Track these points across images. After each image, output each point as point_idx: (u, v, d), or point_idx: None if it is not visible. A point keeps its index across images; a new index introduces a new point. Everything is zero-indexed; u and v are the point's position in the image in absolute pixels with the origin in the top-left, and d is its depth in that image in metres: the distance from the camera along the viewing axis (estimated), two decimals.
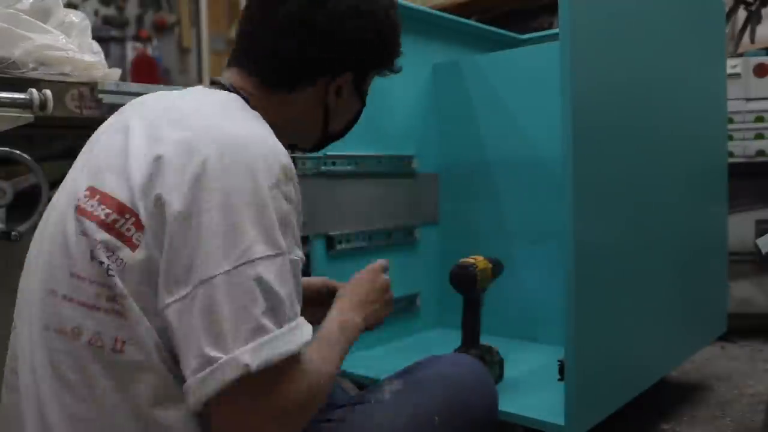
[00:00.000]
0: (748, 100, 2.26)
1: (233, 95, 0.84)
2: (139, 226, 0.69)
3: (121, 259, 0.69)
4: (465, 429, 0.98)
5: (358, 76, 0.93)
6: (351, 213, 1.63)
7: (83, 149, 0.87)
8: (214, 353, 0.64)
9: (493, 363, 1.38)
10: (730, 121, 2.21)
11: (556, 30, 1.23)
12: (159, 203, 0.68)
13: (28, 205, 1.31)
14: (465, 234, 1.81)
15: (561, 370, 1.15)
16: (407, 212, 1.78)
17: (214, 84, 0.89)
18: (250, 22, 0.89)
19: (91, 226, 0.72)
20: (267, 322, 0.65)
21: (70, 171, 0.85)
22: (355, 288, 1.00)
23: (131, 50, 4.82)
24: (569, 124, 1.13)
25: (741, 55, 2.41)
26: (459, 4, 2.85)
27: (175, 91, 0.88)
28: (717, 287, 1.77)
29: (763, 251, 1.38)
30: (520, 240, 1.68)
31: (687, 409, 1.65)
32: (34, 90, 1.26)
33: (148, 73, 4.56)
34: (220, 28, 5.16)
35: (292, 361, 0.68)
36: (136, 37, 4.85)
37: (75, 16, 1.50)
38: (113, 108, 1.43)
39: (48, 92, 1.27)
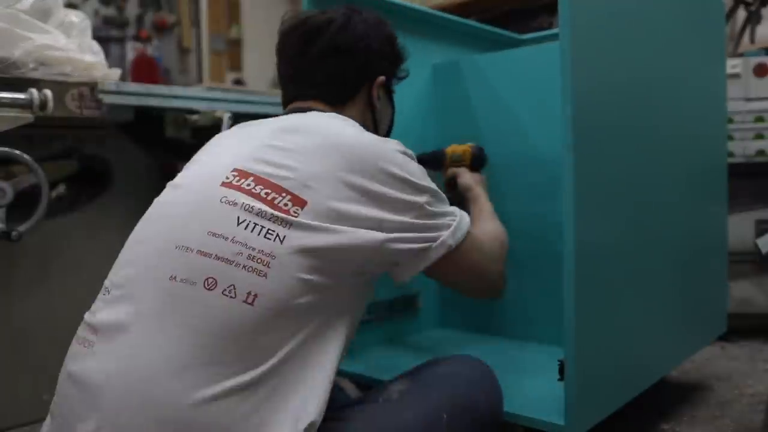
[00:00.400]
0: (748, 100, 2.26)
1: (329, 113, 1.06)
2: (298, 201, 0.85)
3: (280, 224, 0.84)
4: (472, 426, 1.00)
5: (387, 80, 1.18)
6: None
7: (205, 150, 1.05)
8: (424, 245, 0.96)
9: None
10: (730, 121, 2.21)
11: (556, 30, 1.23)
12: (320, 192, 0.88)
13: (28, 205, 1.32)
14: None
15: (561, 370, 1.15)
16: None
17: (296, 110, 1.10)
18: (291, 63, 1.13)
19: (244, 198, 0.85)
20: (448, 221, 1.00)
21: (197, 161, 1.01)
22: (477, 181, 1.43)
23: (131, 50, 4.82)
24: (569, 124, 1.13)
25: (741, 55, 2.41)
26: (459, 4, 2.85)
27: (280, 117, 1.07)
28: (717, 287, 1.77)
29: (763, 251, 1.39)
30: (520, 239, 1.67)
31: (687, 409, 1.65)
32: (34, 90, 1.26)
33: (148, 73, 4.56)
34: (220, 28, 5.17)
35: (470, 234, 1.04)
36: (136, 37, 4.85)
37: (75, 16, 1.50)
38: (113, 108, 1.44)
39: (48, 92, 1.27)
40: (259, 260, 0.81)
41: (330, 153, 0.91)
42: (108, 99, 1.41)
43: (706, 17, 1.70)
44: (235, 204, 0.85)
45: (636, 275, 1.34)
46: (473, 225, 1.10)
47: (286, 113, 1.10)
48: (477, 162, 1.49)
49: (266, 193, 0.86)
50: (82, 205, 1.55)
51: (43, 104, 1.27)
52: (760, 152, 2.25)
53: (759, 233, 2.13)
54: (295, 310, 0.82)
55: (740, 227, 2.15)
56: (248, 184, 0.87)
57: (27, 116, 1.26)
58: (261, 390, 0.79)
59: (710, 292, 1.73)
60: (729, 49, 2.54)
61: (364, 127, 1.04)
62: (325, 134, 0.94)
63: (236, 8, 5.24)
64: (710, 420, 1.59)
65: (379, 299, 1.69)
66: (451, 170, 1.48)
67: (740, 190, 1.84)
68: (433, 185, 1.00)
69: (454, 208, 1.04)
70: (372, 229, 0.89)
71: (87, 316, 0.87)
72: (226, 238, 0.82)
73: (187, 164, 1.02)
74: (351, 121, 1.02)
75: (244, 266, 0.81)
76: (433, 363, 1.07)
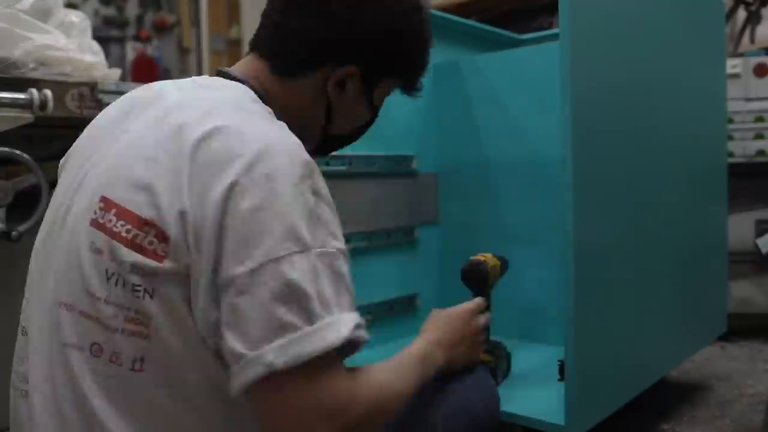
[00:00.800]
0: (748, 100, 2.27)
1: (244, 88, 0.81)
2: (162, 237, 0.67)
3: (147, 274, 0.67)
4: (468, 429, 0.98)
5: (367, 77, 0.88)
6: (351, 213, 1.63)
7: (86, 136, 0.85)
8: (241, 350, 0.63)
9: (501, 357, 1.38)
10: (730, 121, 2.21)
11: (556, 30, 1.23)
12: (184, 216, 0.67)
13: (28, 205, 1.31)
14: (465, 234, 1.80)
15: (561, 370, 1.15)
16: (407, 212, 1.78)
17: (222, 74, 0.86)
18: (273, 5, 0.88)
19: (108, 243, 0.70)
20: (293, 319, 0.63)
21: (76, 160, 0.82)
22: (447, 326, 0.99)
23: (131, 50, 4.82)
24: (569, 124, 1.13)
25: (741, 55, 2.41)
26: (459, 4, 2.85)
27: (185, 84, 0.83)
28: (717, 287, 1.77)
29: (763, 251, 1.39)
30: (520, 240, 1.68)
31: (687, 409, 1.65)
32: (34, 90, 1.26)
33: (148, 73, 4.56)
34: (220, 28, 5.16)
35: (328, 359, 0.65)
36: (136, 37, 4.85)
37: (75, 16, 1.50)
38: None
39: (48, 92, 1.27)
40: (137, 322, 0.68)
41: (186, 159, 0.68)
42: (108, 99, 1.41)
43: (706, 17, 1.70)
44: (101, 253, 0.70)
45: (636, 275, 1.34)
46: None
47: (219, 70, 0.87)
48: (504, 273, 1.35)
49: (127, 231, 0.68)
50: None
51: (43, 104, 1.27)
52: (760, 152, 2.25)
53: (759, 233, 2.13)
54: (189, 380, 0.69)
55: (740, 227, 2.15)
56: (110, 220, 0.70)
57: (27, 116, 1.26)
58: None
59: (710, 292, 1.73)
60: (729, 49, 2.54)
61: (303, 121, 0.86)
62: (200, 132, 0.69)
63: (236, 8, 5.23)
64: (710, 420, 1.59)
65: (378, 300, 1.69)
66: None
67: (740, 190, 1.85)
68: (324, 245, 0.68)
69: (327, 305, 0.66)
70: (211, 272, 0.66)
71: (18, 364, 0.80)
72: (100, 299, 0.69)
73: (72, 153, 0.86)
74: (252, 108, 0.77)
75: (122, 330, 0.68)
76: None
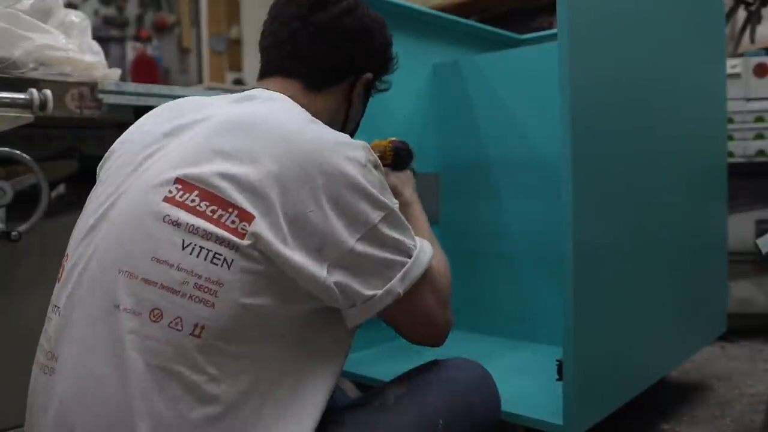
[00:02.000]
0: (748, 100, 2.27)
1: (290, 100, 0.93)
2: (245, 216, 0.76)
3: (229, 246, 0.75)
4: (468, 428, 0.99)
5: (373, 80, 1.07)
6: None
7: (136, 131, 0.93)
8: (371, 291, 0.83)
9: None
10: (730, 121, 2.21)
11: (556, 30, 1.23)
12: (270, 200, 0.77)
13: (28, 205, 1.31)
14: (465, 234, 1.81)
15: (559, 370, 1.15)
16: None
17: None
18: (286, 27, 1.00)
19: (188, 217, 0.77)
20: (401, 258, 0.85)
21: (123, 157, 0.88)
22: (407, 182, 1.28)
23: (131, 50, 4.82)
24: (568, 124, 1.13)
25: (741, 55, 2.42)
26: (458, 4, 2.85)
27: (240, 97, 0.95)
28: (717, 287, 1.77)
29: (763, 251, 1.38)
30: (520, 239, 1.68)
31: (687, 409, 1.65)
32: (34, 90, 1.26)
33: (148, 73, 4.57)
34: (220, 28, 5.16)
35: (426, 273, 0.89)
36: (136, 37, 4.85)
37: (75, 16, 1.50)
38: (113, 108, 1.43)
39: (48, 92, 1.27)
40: (206, 289, 0.75)
41: (281, 157, 0.79)
42: (108, 99, 1.41)
43: (706, 17, 1.70)
44: (179, 224, 0.77)
45: (635, 275, 1.34)
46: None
47: (249, 89, 0.99)
48: (400, 160, 1.31)
49: (212, 211, 0.77)
50: (82, 205, 1.55)
51: (43, 104, 1.27)
52: (760, 152, 2.25)
53: (759, 233, 2.13)
54: (247, 341, 0.77)
55: (740, 227, 2.15)
56: (192, 200, 0.78)
57: (27, 116, 1.26)
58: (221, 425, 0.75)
59: (710, 292, 1.73)
60: (729, 49, 2.54)
61: (331, 123, 0.95)
62: (277, 133, 0.82)
63: (236, 8, 5.23)
64: (710, 420, 1.59)
65: None
66: None
67: (740, 190, 1.85)
68: (394, 204, 0.86)
69: (413, 238, 0.89)
70: (315, 250, 0.78)
71: (46, 343, 0.83)
72: (171, 265, 0.75)
73: (114, 153, 0.92)
74: (309, 117, 0.89)
75: (190, 296, 0.74)
76: (431, 366, 1.05)
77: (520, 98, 1.68)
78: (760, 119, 2.26)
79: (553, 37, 1.53)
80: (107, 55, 1.60)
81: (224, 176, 0.78)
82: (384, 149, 1.30)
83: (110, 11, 4.77)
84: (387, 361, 1.52)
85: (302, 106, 0.93)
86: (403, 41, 1.75)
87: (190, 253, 0.76)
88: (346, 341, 0.90)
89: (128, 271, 0.76)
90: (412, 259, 0.87)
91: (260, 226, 0.76)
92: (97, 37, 1.61)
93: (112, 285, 0.76)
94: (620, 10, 1.28)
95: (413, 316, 0.91)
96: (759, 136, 2.25)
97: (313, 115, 0.90)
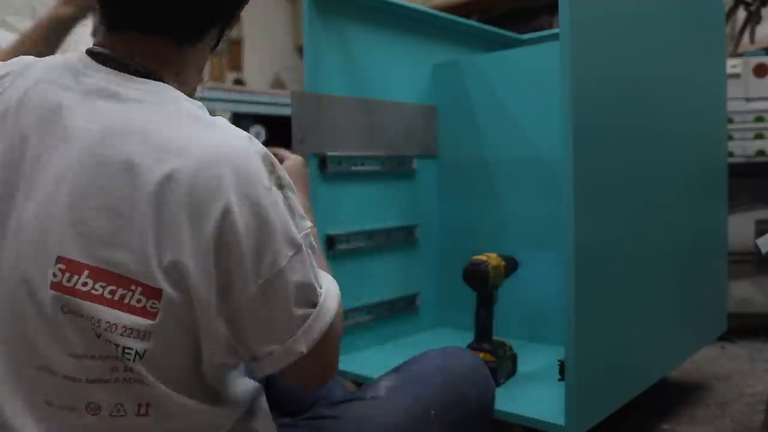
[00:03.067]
0: (748, 100, 2.26)
1: (162, 88, 0.72)
2: (152, 292, 0.64)
3: (139, 334, 0.65)
4: (462, 421, 1.00)
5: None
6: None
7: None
8: (269, 348, 0.70)
9: (506, 358, 1.39)
10: (730, 121, 2.21)
11: (557, 30, 1.23)
12: (172, 265, 0.64)
13: None
14: (465, 234, 1.81)
15: (561, 370, 1.15)
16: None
17: (105, 58, 0.72)
18: None
19: (88, 309, 0.64)
20: (306, 311, 0.71)
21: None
22: (301, 182, 0.97)
23: None
24: (569, 123, 1.13)
25: (741, 55, 2.41)
26: (459, 3, 2.86)
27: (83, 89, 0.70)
28: (717, 287, 1.77)
29: (763, 251, 1.38)
30: (521, 239, 1.68)
31: (687, 409, 1.65)
32: None
33: None
34: None
35: (330, 326, 0.74)
36: None
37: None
38: None
39: None
40: (136, 371, 0.65)
41: (167, 198, 0.63)
42: None
43: (706, 17, 1.70)
44: (81, 316, 0.64)
45: (636, 275, 1.34)
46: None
47: (102, 49, 0.73)
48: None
49: (111, 292, 0.64)
50: None
51: None
52: (760, 152, 2.25)
53: (759, 233, 2.13)
54: (195, 393, 0.71)
55: (740, 227, 2.15)
56: (85, 283, 0.64)
57: None
58: None
59: (710, 292, 1.73)
60: (729, 49, 2.54)
61: (190, 84, 0.80)
62: (158, 175, 0.64)
63: None
64: (710, 420, 1.59)
65: (378, 300, 1.69)
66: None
67: (740, 190, 1.84)
68: (301, 233, 0.70)
69: (320, 281, 0.74)
70: (217, 315, 0.67)
71: None
72: (92, 357, 0.65)
73: None
74: (204, 119, 0.70)
75: (125, 380, 0.66)
76: (423, 356, 1.06)
77: (520, 98, 1.68)
78: (760, 119, 2.26)
79: (554, 37, 1.54)
80: None
81: (109, 243, 0.63)
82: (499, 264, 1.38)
83: None
84: (387, 360, 1.51)
85: (173, 77, 0.75)
86: (404, 41, 1.76)
87: (108, 342, 0.64)
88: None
89: (47, 368, 0.66)
90: (317, 308, 0.72)
91: (169, 295, 0.64)
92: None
93: (35, 385, 0.67)
94: (621, 10, 1.28)
95: (311, 373, 0.77)
96: (759, 136, 2.25)
97: (177, 75, 0.75)
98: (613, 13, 1.25)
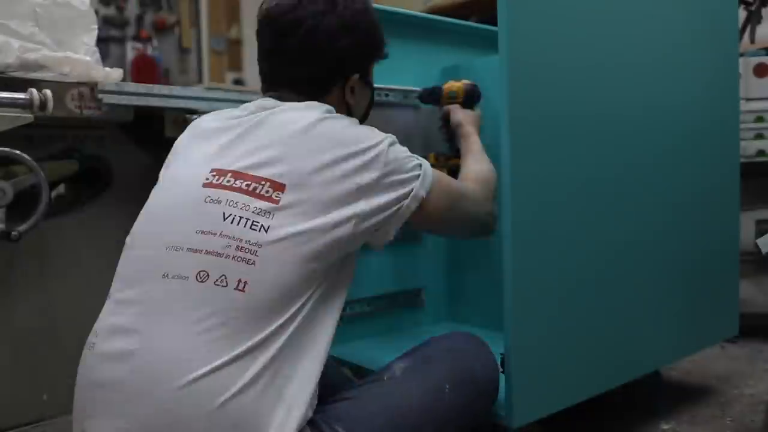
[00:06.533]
0: (748, 100, 2.26)
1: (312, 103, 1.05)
2: (277, 186, 0.90)
3: (264, 212, 0.88)
4: (472, 394, 1.07)
5: (363, 73, 1.15)
6: None
7: (180, 152, 1.05)
8: (396, 196, 0.99)
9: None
10: None
11: None
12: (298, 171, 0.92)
13: (28, 205, 1.31)
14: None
15: (502, 363, 1.17)
16: None
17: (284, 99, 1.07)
18: (266, 59, 1.11)
19: (226, 194, 0.90)
20: (416, 170, 1.03)
21: (175, 164, 1.03)
22: (472, 119, 1.44)
23: (131, 50, 4.82)
24: (506, 117, 1.16)
25: (741, 55, 2.41)
26: (459, 4, 2.85)
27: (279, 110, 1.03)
28: (726, 289, 1.74)
29: (763, 251, 1.38)
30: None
31: (687, 409, 1.65)
32: (34, 90, 1.26)
33: (148, 73, 4.56)
34: (220, 28, 5.16)
35: (439, 179, 1.07)
36: (136, 37, 4.85)
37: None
38: (113, 108, 1.44)
39: (48, 92, 1.27)
40: (247, 250, 0.86)
41: (298, 137, 0.94)
42: (108, 99, 1.41)
43: (713, 13, 1.68)
44: (219, 201, 0.90)
45: (596, 273, 1.34)
46: (462, 165, 1.28)
47: (263, 97, 1.10)
48: (469, 99, 1.50)
49: (246, 185, 0.90)
50: (82, 205, 1.55)
51: (43, 104, 1.27)
52: (760, 152, 2.25)
53: (759, 233, 2.13)
54: (286, 294, 0.87)
55: (740, 227, 2.15)
56: (228, 181, 0.92)
57: (27, 116, 1.26)
58: (260, 376, 0.83)
59: (717, 294, 1.70)
60: None
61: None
62: (290, 124, 0.97)
63: (236, 8, 5.23)
64: (710, 420, 1.59)
65: (383, 292, 1.69)
66: (446, 107, 1.50)
67: (740, 190, 1.84)
68: (384, 141, 1.01)
69: (414, 160, 1.04)
70: (348, 203, 0.93)
71: (97, 324, 0.91)
72: (215, 234, 0.87)
73: (167, 165, 1.06)
74: (323, 107, 1.03)
75: (233, 257, 0.86)
76: (431, 340, 1.12)
77: None
78: (760, 119, 2.26)
79: None
80: (107, 55, 1.61)
81: (253, 158, 0.93)
82: (458, 90, 1.51)
83: (110, 11, 4.77)
84: (392, 354, 1.52)
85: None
86: (412, 47, 1.76)
87: (231, 222, 0.88)
88: (352, 273, 1.02)
89: (175, 246, 0.88)
90: (423, 168, 1.03)
91: (289, 196, 0.89)
92: (97, 37, 1.61)
93: (160, 262, 0.88)
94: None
95: (446, 215, 1.08)
96: (759, 136, 2.25)
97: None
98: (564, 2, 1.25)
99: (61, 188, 1.58)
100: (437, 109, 1.55)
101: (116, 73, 1.48)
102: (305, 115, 0.98)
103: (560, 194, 1.26)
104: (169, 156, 1.07)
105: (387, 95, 1.66)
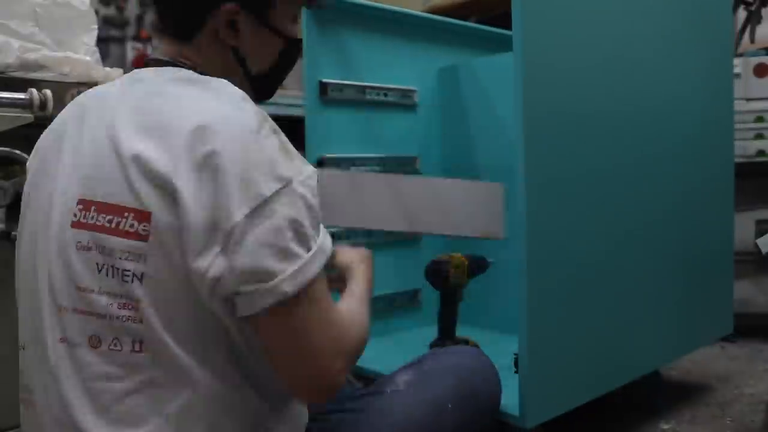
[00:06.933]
0: (748, 100, 2.26)
1: (180, 70, 0.84)
2: (141, 216, 0.72)
3: (135, 256, 0.72)
4: (474, 413, 1.05)
5: (251, 8, 0.88)
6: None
7: (38, 157, 0.86)
8: (252, 286, 0.71)
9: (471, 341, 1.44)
10: None
11: None
12: (163, 191, 0.71)
13: None
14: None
15: (516, 363, 1.18)
16: None
17: (158, 62, 0.88)
18: None
19: (93, 237, 0.74)
20: (298, 250, 0.73)
21: (39, 179, 0.84)
22: (367, 267, 1.07)
23: (131, 50, 4.81)
24: (521, 115, 1.14)
25: (741, 55, 2.41)
26: (459, 4, 2.85)
27: (131, 85, 0.84)
28: (721, 288, 1.75)
29: (763, 251, 1.38)
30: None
31: (687, 409, 1.65)
32: (34, 90, 1.26)
33: None
34: None
35: (322, 281, 0.76)
36: (136, 37, 4.84)
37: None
38: None
39: (48, 92, 1.27)
40: (130, 307, 0.73)
41: (169, 148, 0.72)
42: None
43: (709, 13, 1.68)
44: (89, 249, 0.75)
45: (605, 273, 1.34)
46: (340, 300, 0.92)
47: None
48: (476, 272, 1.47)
49: (109, 221, 0.73)
50: None
51: (43, 104, 1.27)
52: (760, 152, 2.25)
53: (759, 233, 2.13)
54: (192, 348, 0.74)
55: (740, 227, 2.15)
56: (92, 217, 0.75)
57: (27, 116, 1.26)
58: None
59: (713, 293, 1.71)
60: None
61: (225, 71, 0.87)
62: (168, 126, 0.73)
63: None
64: (710, 420, 1.59)
65: (380, 294, 1.70)
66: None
67: (740, 190, 1.84)
68: (299, 174, 0.75)
69: (317, 229, 0.77)
70: (208, 245, 0.71)
71: (23, 378, 0.85)
72: (92, 290, 0.74)
73: (36, 170, 0.86)
74: (208, 93, 0.78)
75: (118, 317, 0.73)
76: (436, 354, 1.11)
77: None
78: (760, 119, 2.26)
79: None
80: (107, 55, 1.61)
81: (116, 179, 0.74)
82: (461, 264, 1.42)
83: (110, 11, 4.77)
84: (389, 354, 1.52)
85: (194, 65, 0.86)
86: (410, 47, 1.76)
87: (106, 275, 0.74)
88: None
89: (61, 305, 0.76)
90: (310, 254, 0.73)
91: (160, 218, 0.71)
92: (97, 37, 1.61)
93: (51, 323, 0.76)
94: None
95: (294, 338, 0.75)
96: (759, 136, 2.25)
97: (202, 74, 0.83)
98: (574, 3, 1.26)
99: None
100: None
101: (116, 73, 1.48)
102: (181, 107, 0.75)
103: (571, 195, 1.26)
104: (33, 156, 0.88)
105: (386, 95, 1.66)
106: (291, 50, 0.95)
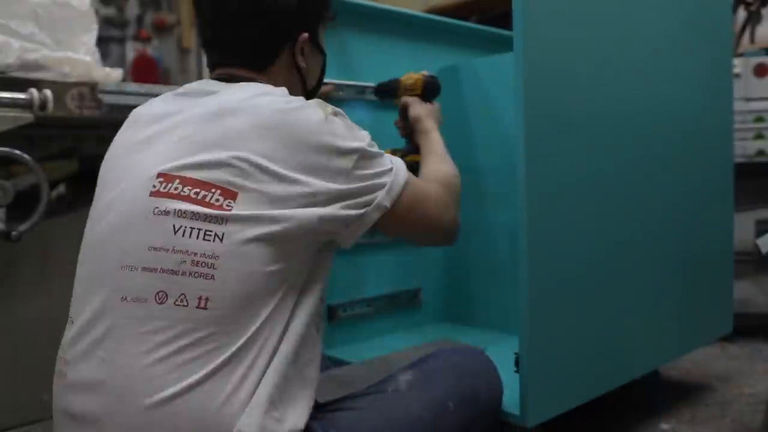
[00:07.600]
0: (748, 100, 2.26)
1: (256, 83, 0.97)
2: (228, 194, 0.83)
3: (216, 218, 0.82)
4: (474, 413, 1.06)
5: (312, 34, 1.06)
6: None
7: (123, 149, 0.95)
8: (358, 210, 0.91)
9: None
10: None
11: None
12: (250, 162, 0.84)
13: (28, 205, 1.32)
14: (468, 231, 1.80)
15: (517, 362, 1.18)
16: None
17: (226, 79, 1.00)
18: (208, 26, 1.03)
19: (174, 204, 0.83)
20: (381, 180, 0.94)
21: (118, 167, 0.93)
22: (432, 113, 1.35)
23: (131, 50, 4.81)
24: (521, 119, 1.14)
25: (741, 55, 2.41)
26: (459, 4, 2.85)
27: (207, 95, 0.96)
28: (721, 288, 1.75)
29: (763, 251, 1.38)
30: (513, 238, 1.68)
31: (687, 409, 1.65)
32: (34, 90, 1.26)
33: (148, 73, 4.56)
34: None
35: (409, 185, 0.98)
36: (136, 37, 4.84)
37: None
38: (113, 108, 1.44)
39: (48, 92, 1.27)
40: (203, 264, 0.81)
41: (253, 136, 0.86)
42: (108, 99, 1.41)
43: (709, 13, 1.68)
44: (168, 212, 0.83)
45: (607, 273, 1.34)
46: (421, 166, 1.18)
47: (214, 78, 1.03)
48: (429, 92, 1.40)
49: (195, 193, 0.84)
50: (82, 205, 1.55)
51: (43, 104, 1.27)
52: (760, 152, 2.25)
53: (759, 233, 2.13)
54: (253, 302, 0.83)
55: (740, 227, 2.15)
56: (175, 188, 0.85)
57: (27, 116, 1.26)
58: (238, 390, 0.81)
59: (713, 292, 1.71)
60: None
61: (290, 89, 0.98)
62: (248, 116, 0.88)
63: None
64: (710, 420, 1.59)
65: (382, 293, 1.70)
66: (403, 99, 1.39)
67: (740, 190, 1.84)
68: (362, 141, 0.94)
69: (389, 161, 0.97)
70: (306, 206, 0.86)
71: (60, 351, 0.89)
72: (167, 250, 0.82)
73: (110, 167, 0.96)
74: (276, 91, 0.94)
75: (189, 273, 0.81)
76: (438, 354, 1.11)
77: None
78: (760, 119, 2.26)
79: None
80: (107, 55, 1.61)
81: (202, 162, 0.85)
82: (415, 81, 1.40)
83: (110, 11, 4.77)
84: (381, 351, 1.52)
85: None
86: (409, 47, 1.76)
87: (183, 235, 0.82)
88: (327, 272, 0.96)
89: (129, 266, 0.83)
90: (391, 177, 0.95)
91: (242, 203, 0.83)
92: (97, 37, 1.61)
93: (116, 283, 0.83)
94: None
95: (408, 224, 1.00)
96: (759, 136, 2.25)
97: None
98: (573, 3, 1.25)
99: (61, 188, 1.58)
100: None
101: (116, 73, 1.49)
102: (256, 102, 0.90)
103: (571, 195, 1.26)
104: (110, 153, 0.99)
105: None
106: (325, 64, 1.15)
